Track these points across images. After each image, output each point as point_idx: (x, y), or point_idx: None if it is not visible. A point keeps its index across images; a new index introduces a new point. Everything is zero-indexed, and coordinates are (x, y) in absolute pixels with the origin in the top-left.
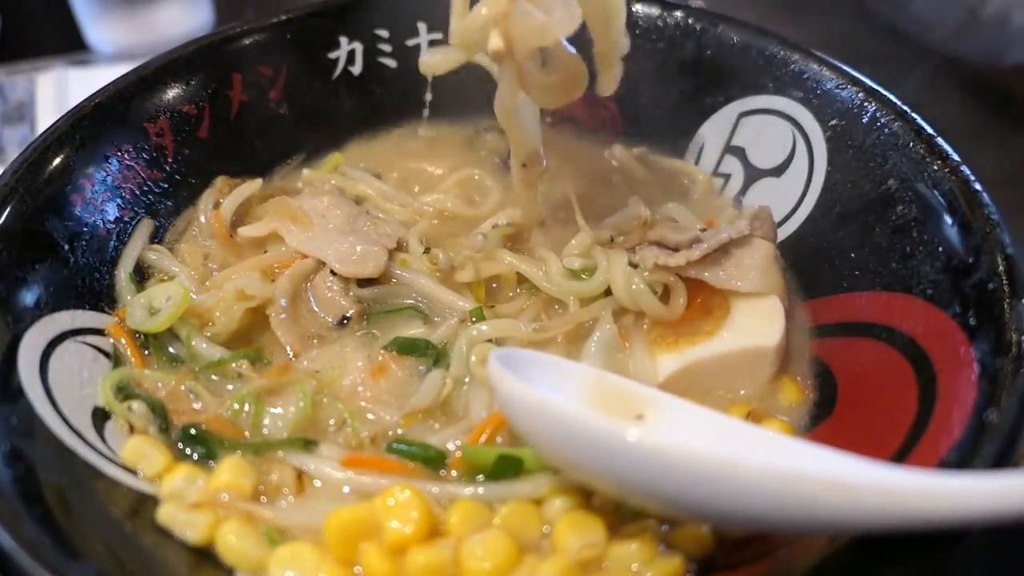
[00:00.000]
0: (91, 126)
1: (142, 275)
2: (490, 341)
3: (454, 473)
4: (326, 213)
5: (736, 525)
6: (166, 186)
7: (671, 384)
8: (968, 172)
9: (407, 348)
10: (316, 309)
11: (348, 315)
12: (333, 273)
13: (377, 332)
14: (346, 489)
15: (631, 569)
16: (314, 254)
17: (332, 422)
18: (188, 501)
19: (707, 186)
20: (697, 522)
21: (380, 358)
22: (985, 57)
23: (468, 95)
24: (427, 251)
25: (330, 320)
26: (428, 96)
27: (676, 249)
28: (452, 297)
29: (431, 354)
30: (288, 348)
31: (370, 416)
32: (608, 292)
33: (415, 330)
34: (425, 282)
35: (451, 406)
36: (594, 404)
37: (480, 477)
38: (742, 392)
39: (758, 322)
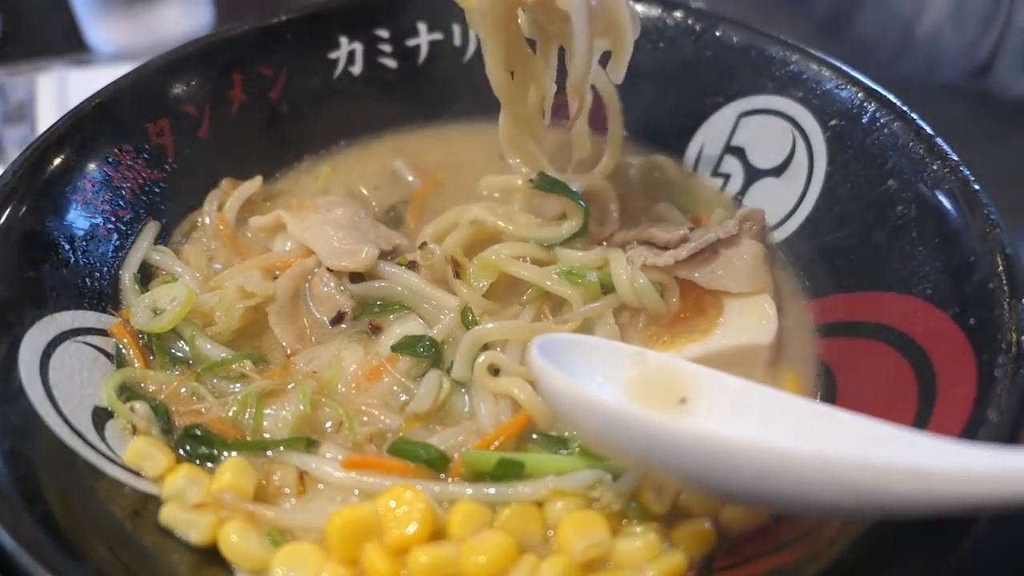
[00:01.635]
0: (91, 126)
1: (145, 276)
2: (485, 348)
3: (452, 481)
4: (331, 208)
5: (794, 513)
6: (166, 186)
7: None
8: (968, 172)
9: (407, 345)
10: (313, 307)
11: (344, 311)
12: (329, 270)
13: (373, 331)
14: (349, 490)
15: (634, 567)
16: (307, 243)
17: (329, 425)
18: (190, 502)
19: (676, 169)
20: (746, 507)
21: (374, 362)
22: (920, 77)
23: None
24: (422, 246)
25: (326, 317)
26: None
27: (665, 248)
28: (440, 294)
29: (430, 355)
30: (285, 346)
31: (366, 419)
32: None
33: (412, 328)
34: (412, 278)
35: (450, 409)
36: (636, 387)
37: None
38: None
39: (752, 320)
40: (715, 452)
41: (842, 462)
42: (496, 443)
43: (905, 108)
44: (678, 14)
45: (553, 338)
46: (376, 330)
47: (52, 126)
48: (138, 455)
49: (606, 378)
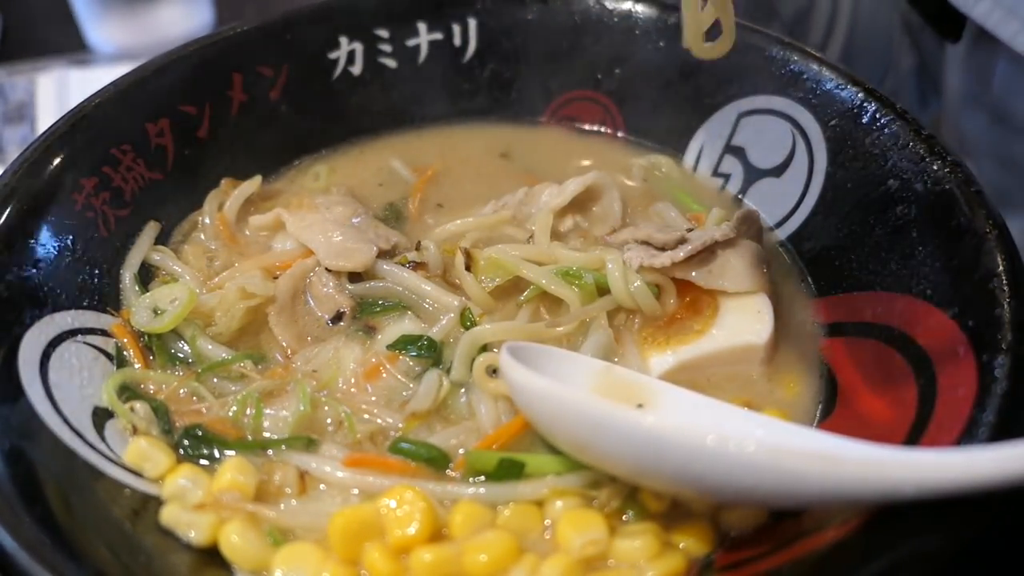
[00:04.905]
0: (91, 126)
1: (145, 276)
2: (486, 348)
3: (455, 478)
4: (331, 207)
5: (731, 499)
6: (166, 186)
7: None
8: (968, 172)
9: (405, 343)
10: (313, 307)
11: (343, 311)
12: (328, 270)
13: (370, 330)
14: (350, 489)
15: (634, 566)
16: (305, 243)
17: (330, 422)
18: (191, 502)
19: (676, 170)
20: (702, 498)
21: (374, 360)
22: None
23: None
24: (417, 246)
25: (326, 317)
26: None
27: (663, 249)
28: (440, 294)
29: (429, 354)
30: (285, 346)
31: (367, 417)
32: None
33: (408, 327)
34: (411, 278)
35: (449, 408)
36: (599, 393)
37: (482, 479)
38: (733, 390)
39: (747, 320)
40: (647, 437)
41: (763, 448)
42: (496, 444)
43: (905, 108)
44: (678, 14)
45: (524, 345)
46: (371, 330)
47: (52, 126)
48: (138, 455)
49: (573, 385)
